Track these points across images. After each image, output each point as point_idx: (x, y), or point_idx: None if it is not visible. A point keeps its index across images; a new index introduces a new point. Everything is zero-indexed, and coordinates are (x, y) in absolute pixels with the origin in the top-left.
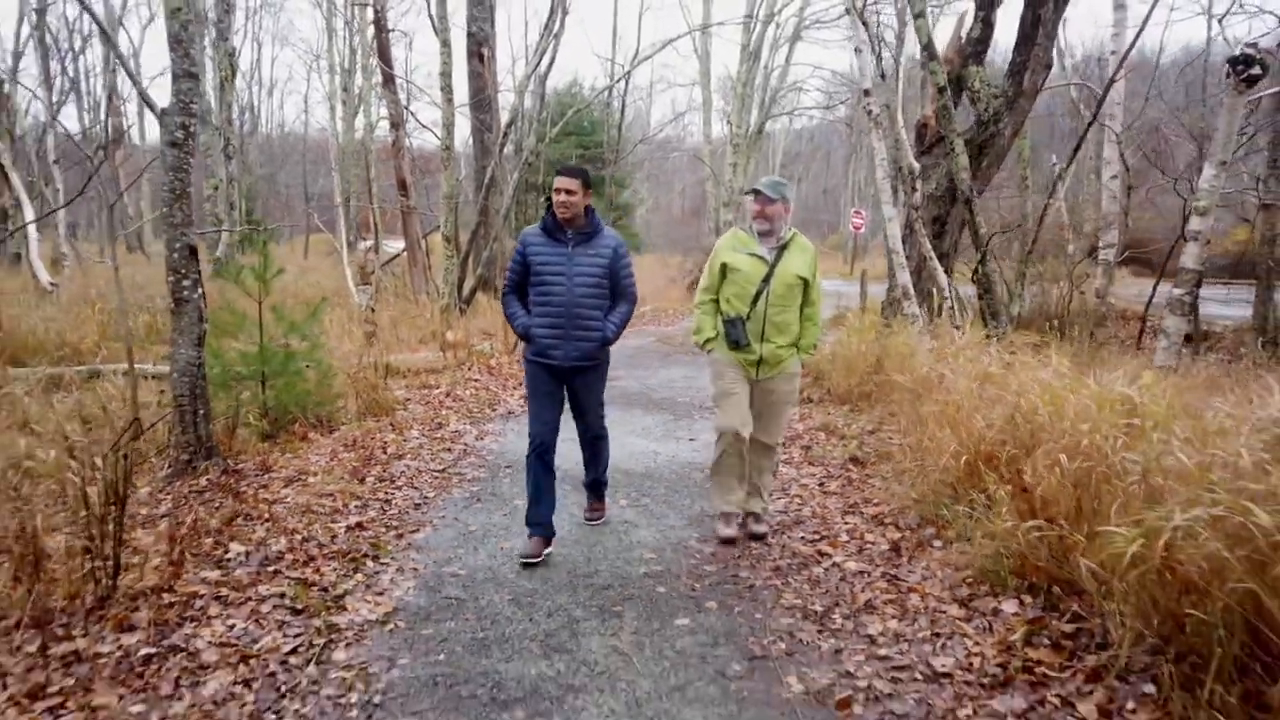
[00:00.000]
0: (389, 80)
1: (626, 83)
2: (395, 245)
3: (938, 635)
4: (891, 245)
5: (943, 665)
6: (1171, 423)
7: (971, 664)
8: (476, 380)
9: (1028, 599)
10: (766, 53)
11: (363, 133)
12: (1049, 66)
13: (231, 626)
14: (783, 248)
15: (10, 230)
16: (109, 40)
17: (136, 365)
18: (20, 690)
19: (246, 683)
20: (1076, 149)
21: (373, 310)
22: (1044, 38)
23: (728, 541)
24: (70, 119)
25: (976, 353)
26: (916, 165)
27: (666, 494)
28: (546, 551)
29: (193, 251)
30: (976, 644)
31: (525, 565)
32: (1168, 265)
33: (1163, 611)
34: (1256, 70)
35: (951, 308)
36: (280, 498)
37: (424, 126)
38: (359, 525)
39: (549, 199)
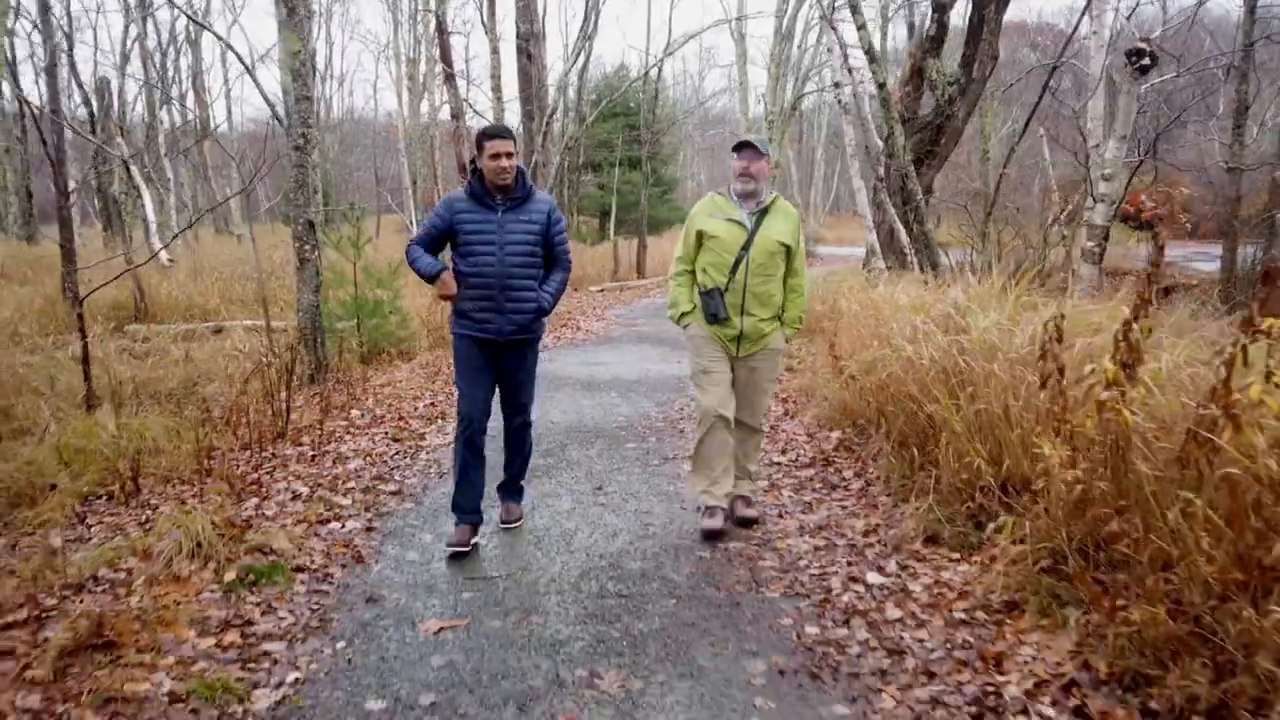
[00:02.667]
0: (450, 78)
1: (659, 72)
2: None
3: (787, 449)
4: (860, 212)
5: (782, 458)
6: (921, 313)
7: (797, 457)
8: None
9: (849, 429)
10: (800, 32)
11: (427, 118)
12: (995, 58)
13: (359, 444)
14: (763, 212)
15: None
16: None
17: (245, 321)
18: (252, 469)
19: (371, 465)
20: (1027, 123)
21: None
22: (989, 34)
23: (711, 535)
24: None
25: (895, 290)
26: (881, 144)
27: (649, 392)
28: (474, 540)
29: (311, 225)
30: (805, 451)
31: (453, 556)
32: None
33: (876, 408)
34: (1147, 61)
35: (912, 262)
36: (378, 391)
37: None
38: (431, 404)
39: (473, 163)
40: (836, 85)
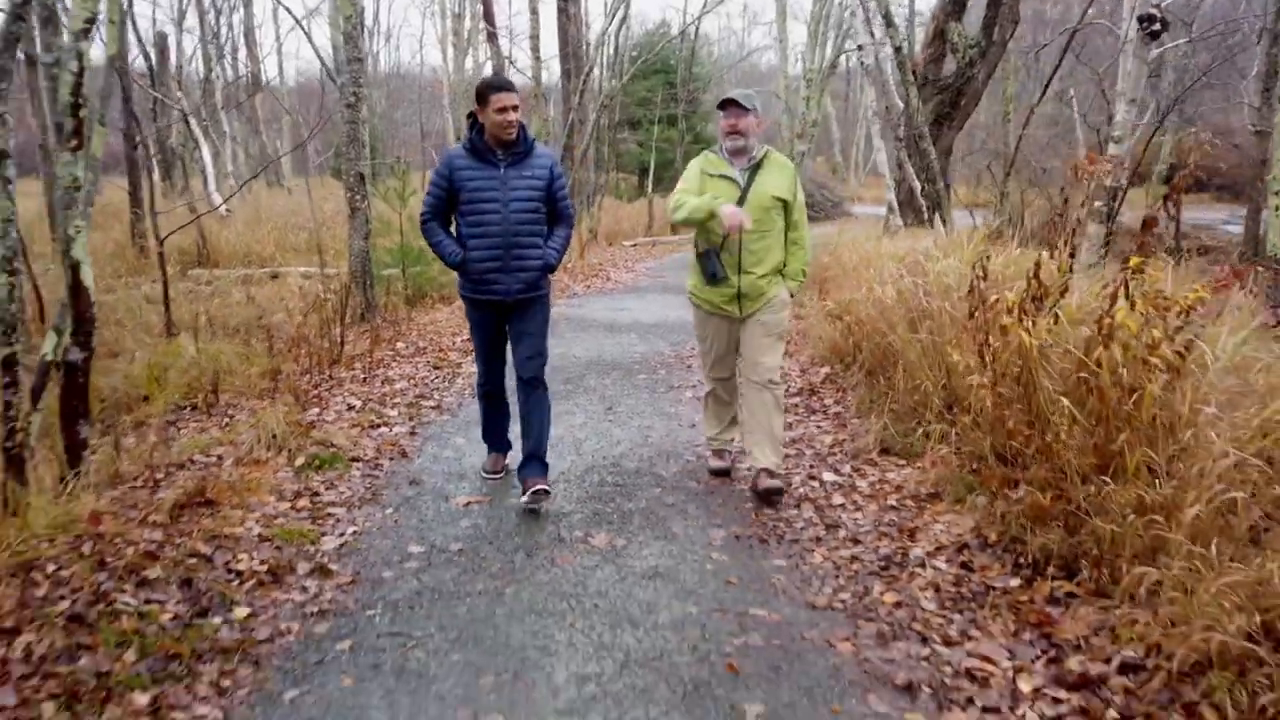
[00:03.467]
0: (492, 36)
1: (697, 30)
2: None
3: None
4: (880, 171)
5: None
6: (898, 260)
7: (788, 389)
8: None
9: (837, 365)
10: None
11: (471, 73)
12: (1016, 21)
13: (403, 370)
14: (755, 167)
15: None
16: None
17: (299, 268)
18: (312, 387)
19: (414, 387)
20: (1046, 86)
21: None
22: None
23: (719, 473)
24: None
25: (894, 243)
26: (901, 106)
27: (665, 334)
28: (505, 464)
29: (361, 177)
30: (795, 383)
31: (486, 477)
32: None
33: (854, 343)
34: (1157, 27)
35: (929, 219)
36: (421, 328)
37: (521, 73)
38: (467, 339)
39: (472, 116)
40: (859, 48)
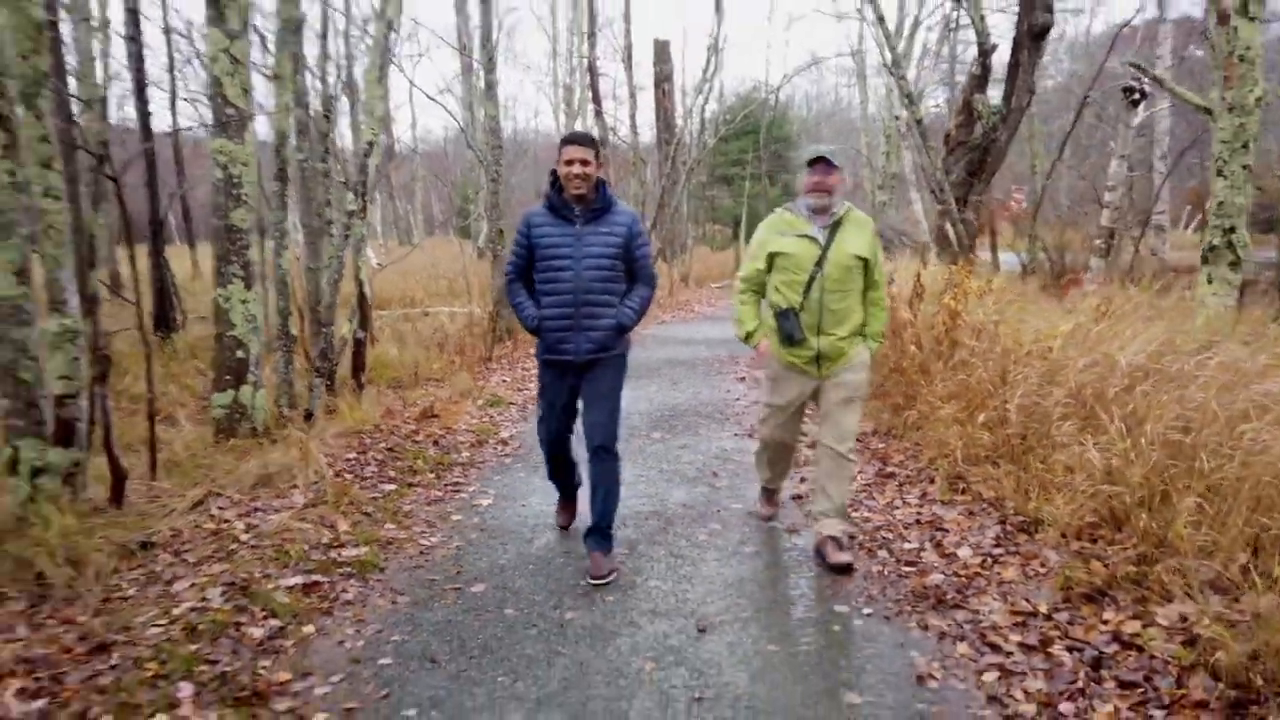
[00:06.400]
0: (599, 113)
1: (777, 99)
2: None
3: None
4: (917, 219)
5: None
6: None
7: None
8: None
9: None
10: (917, 50)
11: None
12: (1032, 91)
13: (531, 365)
14: (836, 225)
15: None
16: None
17: (444, 308)
18: (472, 366)
19: None
20: (1064, 142)
21: None
22: (1024, 73)
23: (767, 519)
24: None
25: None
26: (940, 165)
27: (725, 346)
28: (574, 512)
29: (501, 231)
30: None
31: (562, 528)
32: None
33: None
34: (1137, 96)
35: (959, 259)
36: None
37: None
38: None
39: (553, 174)
40: (897, 118)
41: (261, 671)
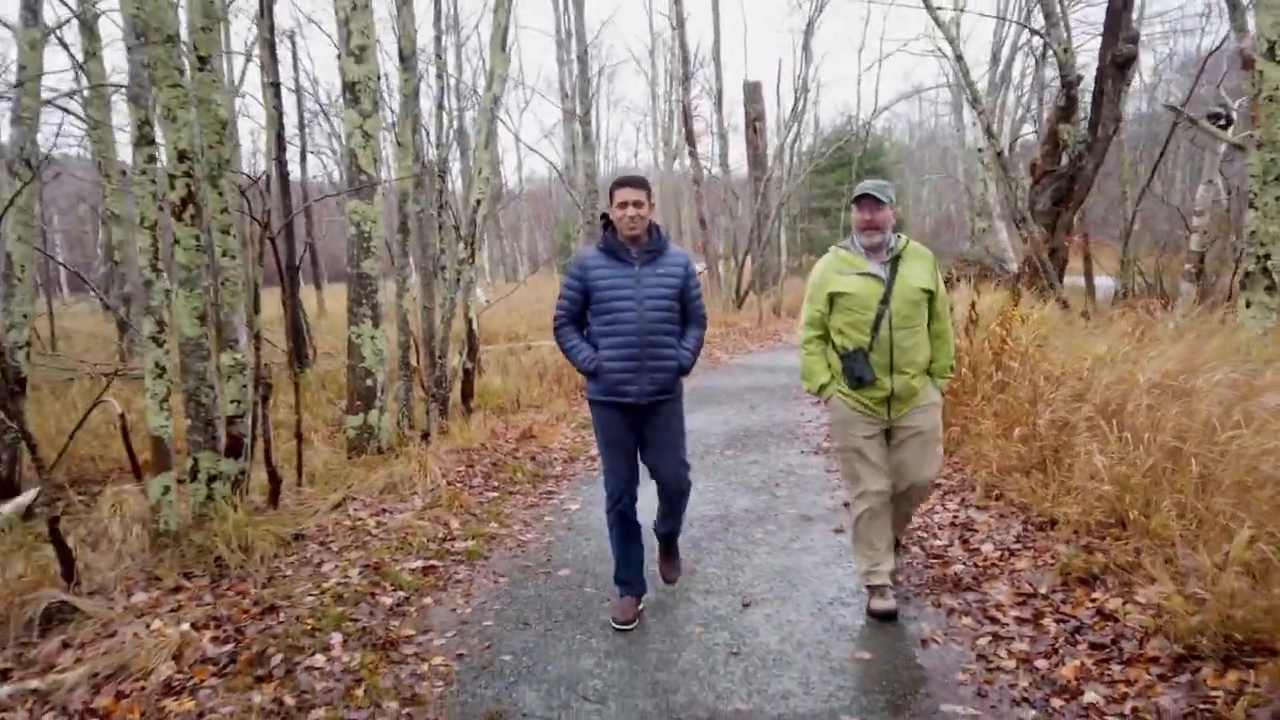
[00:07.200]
0: (694, 154)
1: (868, 132)
2: (699, 264)
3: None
4: (1002, 245)
5: None
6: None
7: None
8: (742, 335)
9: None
10: (1016, 76)
11: (679, 175)
12: (1118, 119)
13: None
14: (896, 259)
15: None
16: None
17: (547, 342)
18: (568, 393)
19: None
20: (1155, 166)
21: None
22: (1109, 103)
23: (886, 616)
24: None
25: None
26: (1026, 194)
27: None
28: (639, 609)
29: None
30: None
31: (617, 630)
32: None
33: None
34: (1224, 121)
35: (1045, 290)
36: None
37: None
38: None
39: (605, 216)
40: (980, 150)
41: (392, 628)
